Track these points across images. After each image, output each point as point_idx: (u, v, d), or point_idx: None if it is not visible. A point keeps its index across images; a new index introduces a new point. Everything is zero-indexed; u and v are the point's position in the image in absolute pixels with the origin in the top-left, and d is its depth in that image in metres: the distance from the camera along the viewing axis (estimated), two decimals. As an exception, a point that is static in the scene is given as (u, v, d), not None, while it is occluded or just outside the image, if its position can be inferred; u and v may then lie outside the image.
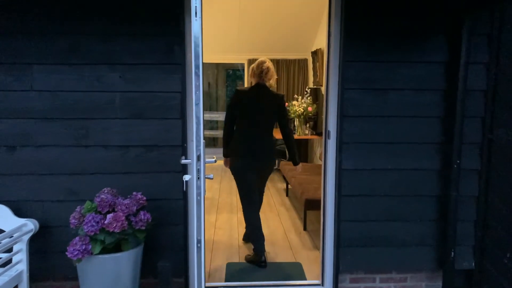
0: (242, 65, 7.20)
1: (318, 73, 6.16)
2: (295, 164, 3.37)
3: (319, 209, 2.96)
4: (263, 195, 3.56)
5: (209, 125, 9.89)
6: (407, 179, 2.66)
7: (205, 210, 4.56)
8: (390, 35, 2.55)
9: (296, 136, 5.57)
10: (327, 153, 2.74)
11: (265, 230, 3.60)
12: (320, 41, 6.19)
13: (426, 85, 2.60)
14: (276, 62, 6.98)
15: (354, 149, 2.64)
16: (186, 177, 1.89)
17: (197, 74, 1.75)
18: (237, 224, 4.17)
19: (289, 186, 5.26)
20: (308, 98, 5.50)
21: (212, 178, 1.94)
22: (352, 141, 2.64)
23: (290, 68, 7.04)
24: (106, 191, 2.37)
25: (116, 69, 2.47)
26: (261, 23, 6.19)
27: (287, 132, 3.26)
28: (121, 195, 2.43)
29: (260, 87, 3.18)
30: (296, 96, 5.69)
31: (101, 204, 2.26)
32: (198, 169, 1.81)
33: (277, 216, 4.44)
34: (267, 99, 3.16)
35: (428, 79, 2.59)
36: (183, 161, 2.10)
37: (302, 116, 5.37)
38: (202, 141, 1.80)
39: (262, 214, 4.17)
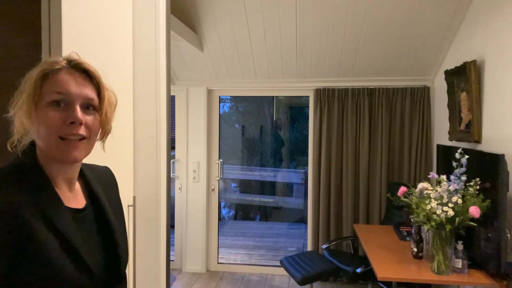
0: (306, 99, 4.11)
1: (468, 113, 2.81)
2: None
3: None
4: None
5: (260, 188, 6.80)
6: None
7: None
8: None
9: (428, 278, 2.19)
10: None
11: None
12: (465, 51, 2.87)
13: None
14: (369, 93, 3.76)
15: None
16: None
17: None
18: None
19: None
20: (474, 188, 2.14)
21: None
22: None
23: (395, 106, 3.75)
24: None
25: None
26: (334, 25, 3.11)
27: None
28: None
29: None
30: (432, 180, 2.30)
31: None
32: None
33: None
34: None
35: None
36: None
37: (448, 227, 2.03)
38: None
39: None
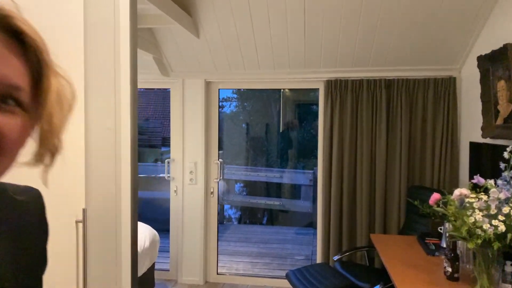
0: (315, 95, 3.70)
1: (507, 105, 2.38)
2: None
3: None
4: None
5: (266, 190, 6.40)
6: None
7: None
8: None
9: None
10: None
11: None
12: (503, 31, 2.43)
13: None
14: (387, 85, 3.33)
15: None
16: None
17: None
18: None
19: None
20: None
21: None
22: None
23: (416, 99, 3.31)
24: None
25: None
26: (348, 7, 2.70)
27: None
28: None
29: None
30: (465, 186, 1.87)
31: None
32: None
33: None
34: None
35: None
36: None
37: (496, 245, 1.61)
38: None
39: None
